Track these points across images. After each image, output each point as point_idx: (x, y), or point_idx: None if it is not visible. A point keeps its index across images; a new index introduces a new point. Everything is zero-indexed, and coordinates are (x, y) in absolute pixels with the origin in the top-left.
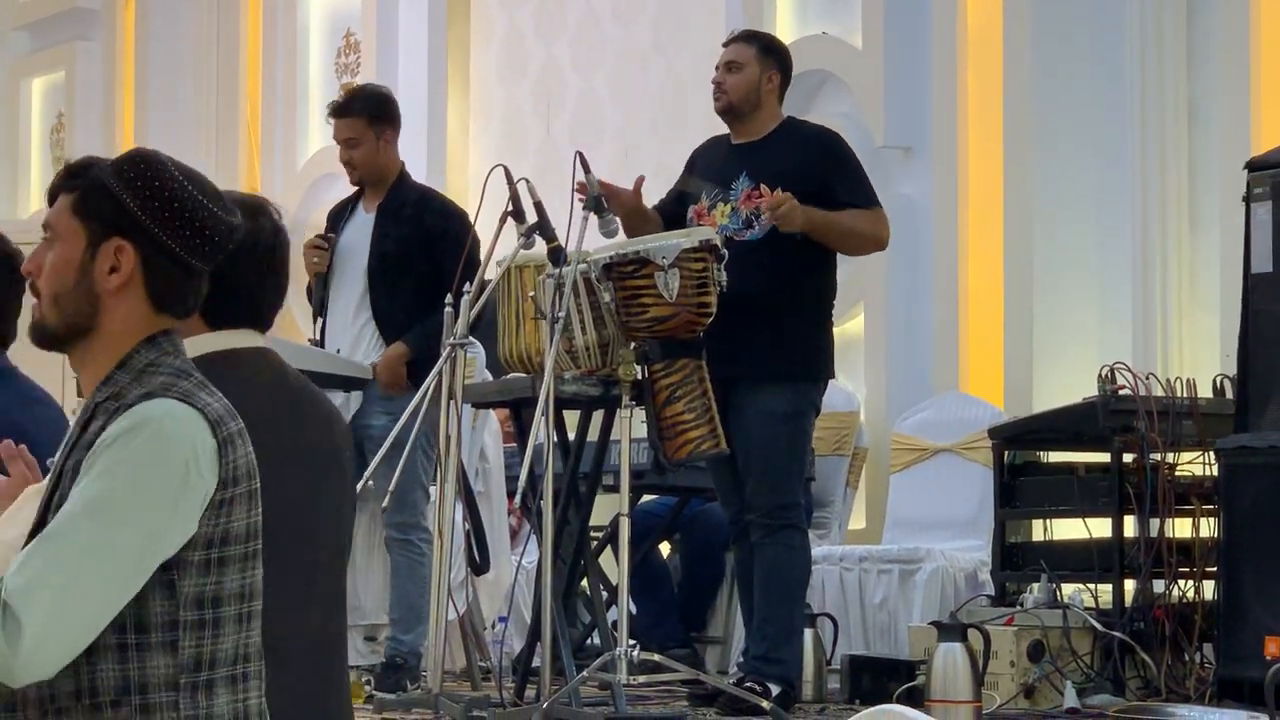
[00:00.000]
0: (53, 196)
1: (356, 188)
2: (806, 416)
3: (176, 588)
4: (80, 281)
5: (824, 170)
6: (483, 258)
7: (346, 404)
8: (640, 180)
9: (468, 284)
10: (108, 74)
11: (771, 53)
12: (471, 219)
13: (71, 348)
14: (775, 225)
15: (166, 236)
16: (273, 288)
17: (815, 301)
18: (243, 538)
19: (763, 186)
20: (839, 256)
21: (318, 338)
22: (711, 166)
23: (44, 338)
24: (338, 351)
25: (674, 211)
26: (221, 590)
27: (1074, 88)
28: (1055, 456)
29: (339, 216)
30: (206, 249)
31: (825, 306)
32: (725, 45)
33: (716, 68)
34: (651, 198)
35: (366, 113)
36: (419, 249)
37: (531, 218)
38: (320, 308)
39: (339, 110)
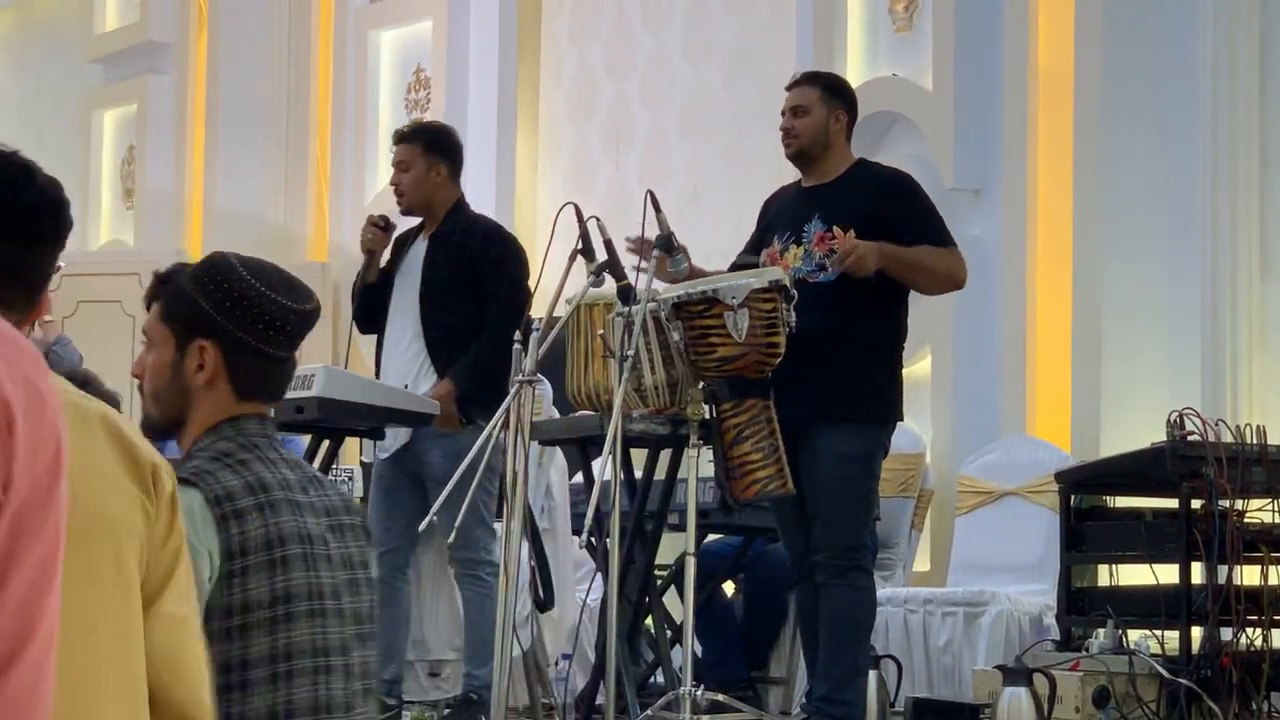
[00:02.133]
0: (148, 304)
1: (405, 214)
2: (876, 459)
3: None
4: (174, 380)
5: (897, 211)
6: (551, 295)
7: (396, 437)
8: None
9: (536, 323)
10: (179, 107)
11: (836, 93)
12: (532, 248)
13: (174, 436)
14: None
15: (242, 333)
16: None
17: (887, 344)
18: (266, 604)
19: (835, 229)
20: (910, 298)
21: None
22: (784, 211)
23: (151, 430)
24: (405, 386)
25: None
26: (249, 654)
27: (1144, 130)
28: (1122, 501)
29: (403, 244)
30: (281, 338)
31: (896, 349)
32: (788, 89)
33: (783, 113)
34: (718, 238)
35: (421, 141)
36: (464, 273)
37: (601, 256)
38: (363, 304)
39: (398, 136)
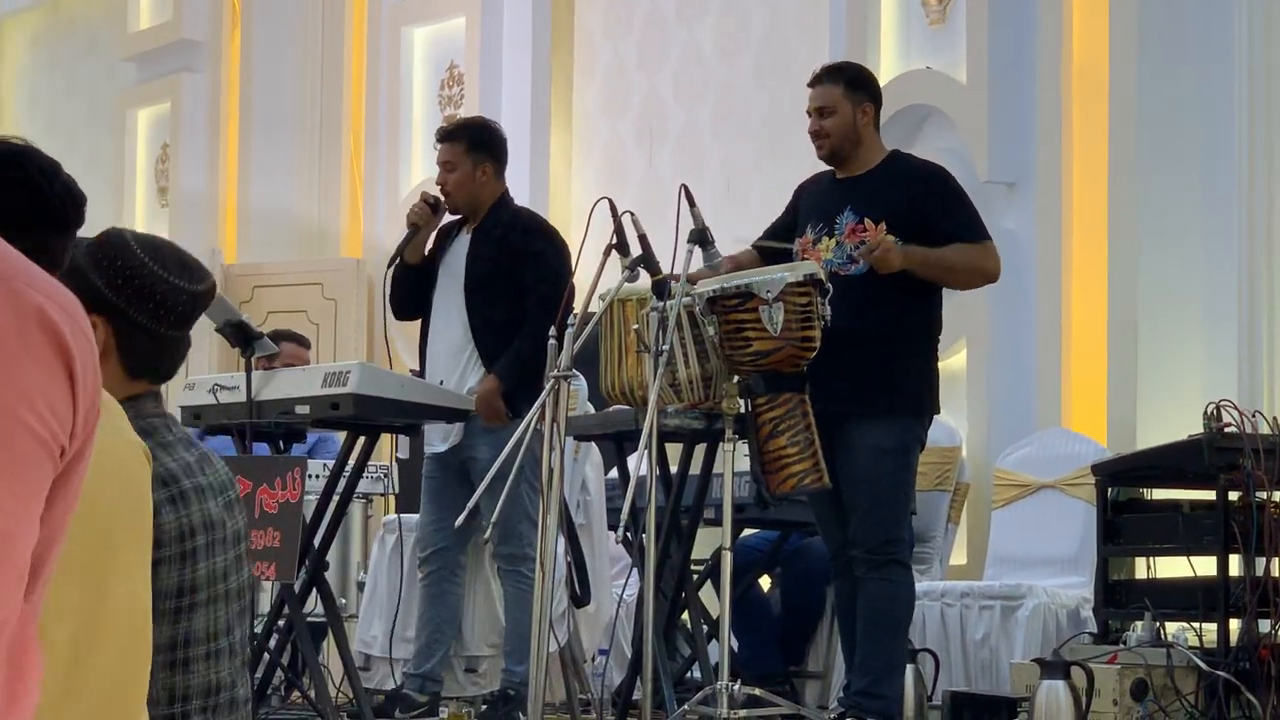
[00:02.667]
0: None
1: (453, 214)
2: (912, 452)
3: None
4: None
5: (930, 204)
6: (586, 290)
7: (449, 434)
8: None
9: (572, 315)
10: (212, 105)
11: (859, 85)
12: (568, 244)
13: None
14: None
15: (133, 311)
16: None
17: (921, 336)
18: (173, 594)
19: (866, 221)
20: (945, 290)
21: (417, 356)
22: (817, 201)
23: None
24: (440, 383)
25: (785, 236)
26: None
27: (1179, 121)
28: (1159, 493)
29: (446, 237)
30: (172, 318)
31: (931, 341)
32: (811, 87)
33: (809, 113)
34: (752, 232)
35: (466, 139)
36: (505, 266)
37: (636, 251)
38: (403, 287)
39: (442, 135)
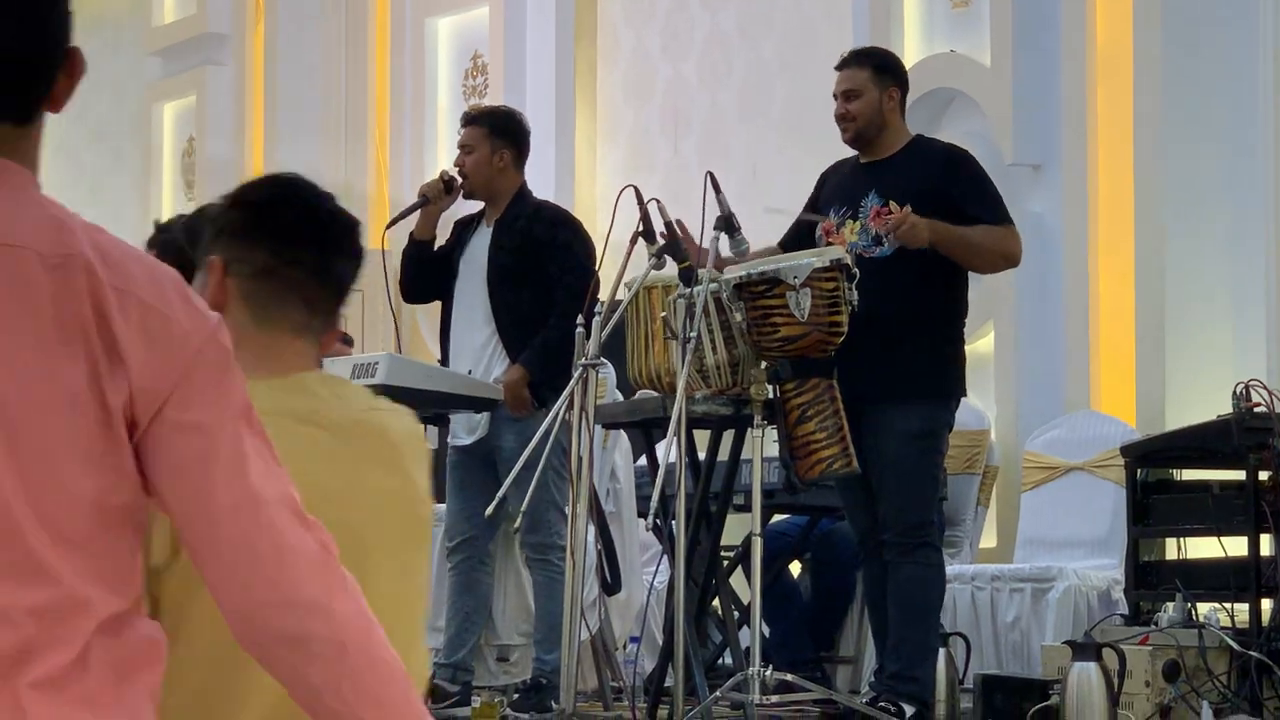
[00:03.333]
0: None
1: (468, 197)
2: (939, 435)
3: None
4: None
5: (953, 187)
6: (612, 278)
7: (475, 427)
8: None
9: (598, 304)
10: (237, 97)
11: (886, 70)
12: (590, 232)
13: None
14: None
15: None
16: None
17: (946, 319)
18: None
19: (891, 204)
20: (970, 275)
21: (438, 347)
22: (841, 185)
23: None
24: (469, 372)
25: (808, 233)
26: None
27: (1205, 102)
28: (1189, 474)
29: (464, 228)
30: None
31: (956, 323)
32: (838, 70)
33: (835, 96)
34: (778, 218)
35: (488, 125)
36: (531, 259)
37: (662, 238)
38: (416, 267)
39: (466, 119)
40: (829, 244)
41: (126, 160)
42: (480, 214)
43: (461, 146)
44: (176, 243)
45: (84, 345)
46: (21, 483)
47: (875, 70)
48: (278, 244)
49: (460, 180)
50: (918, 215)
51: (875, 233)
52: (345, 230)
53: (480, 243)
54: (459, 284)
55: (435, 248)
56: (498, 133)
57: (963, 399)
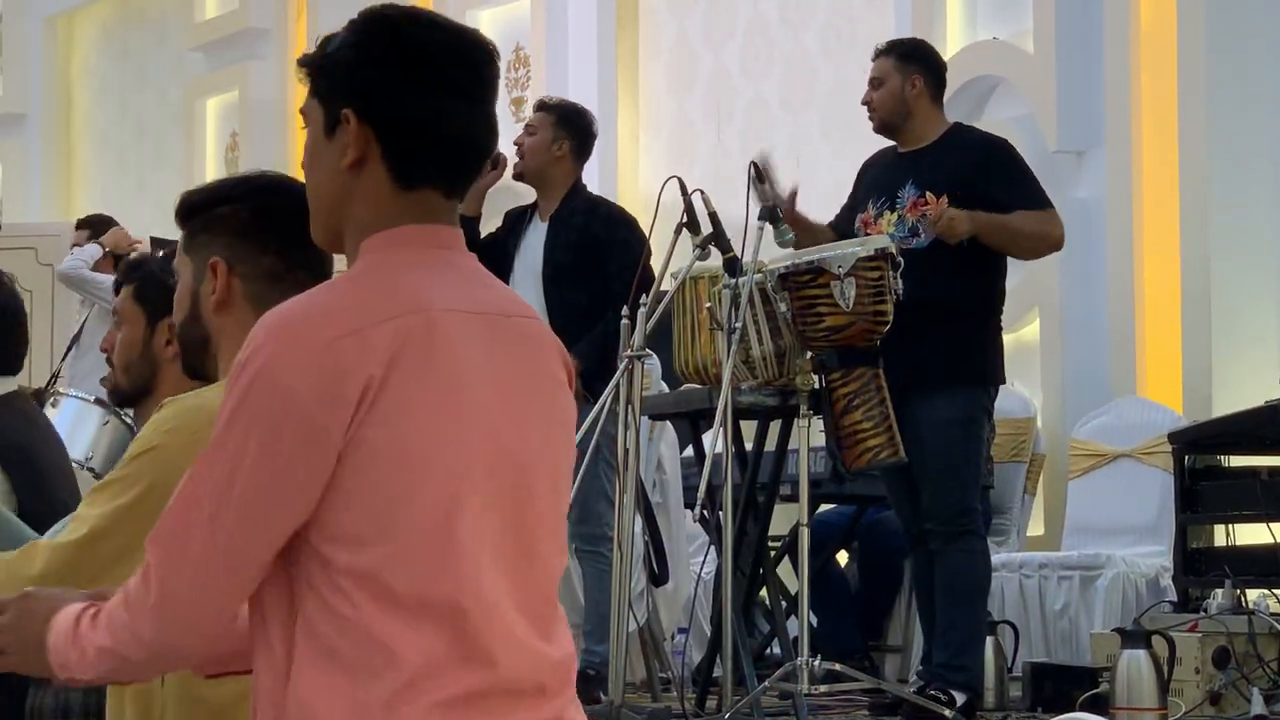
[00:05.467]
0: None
1: (517, 178)
2: (980, 422)
3: None
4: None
5: (991, 175)
6: (657, 269)
7: None
8: (794, 191)
9: (643, 295)
10: (280, 91)
11: (911, 58)
12: (644, 228)
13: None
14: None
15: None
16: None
17: (983, 308)
18: None
19: (928, 195)
20: (1011, 262)
21: None
22: (879, 177)
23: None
24: None
25: (849, 227)
26: None
27: (1249, 87)
28: (1236, 460)
29: (517, 221)
30: None
31: (993, 312)
32: (873, 60)
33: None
34: (822, 207)
35: (555, 113)
36: (588, 255)
37: (706, 229)
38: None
39: (539, 104)
40: (866, 235)
41: (170, 156)
42: (532, 206)
43: (526, 126)
44: (158, 277)
45: None
46: (558, 546)
47: (899, 58)
48: (286, 247)
49: (505, 157)
50: (955, 208)
51: (912, 224)
52: None
53: (535, 238)
54: (513, 279)
55: (484, 236)
56: (563, 122)
57: (1008, 387)
